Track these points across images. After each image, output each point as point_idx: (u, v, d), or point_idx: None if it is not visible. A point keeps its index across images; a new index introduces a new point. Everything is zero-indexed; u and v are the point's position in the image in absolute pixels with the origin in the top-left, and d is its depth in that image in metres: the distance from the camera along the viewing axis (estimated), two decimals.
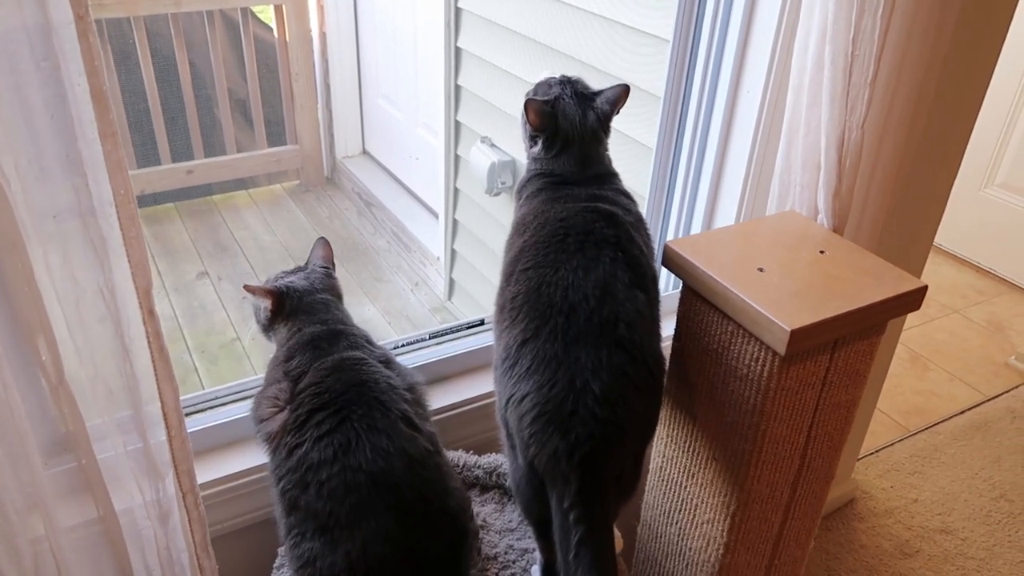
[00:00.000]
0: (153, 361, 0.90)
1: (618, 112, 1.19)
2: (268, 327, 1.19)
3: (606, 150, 1.20)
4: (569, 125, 1.15)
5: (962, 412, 2.46)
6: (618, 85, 1.18)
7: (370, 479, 0.97)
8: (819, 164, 1.17)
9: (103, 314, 0.84)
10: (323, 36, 3.81)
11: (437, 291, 3.28)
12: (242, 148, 3.78)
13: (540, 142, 1.16)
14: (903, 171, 1.33)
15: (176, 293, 3.18)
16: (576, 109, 1.15)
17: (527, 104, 1.14)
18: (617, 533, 1.21)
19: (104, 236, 0.81)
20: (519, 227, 1.11)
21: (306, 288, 1.18)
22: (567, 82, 1.19)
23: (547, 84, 1.20)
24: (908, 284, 1.07)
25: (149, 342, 0.88)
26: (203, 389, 1.30)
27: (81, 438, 0.88)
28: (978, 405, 2.49)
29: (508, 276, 1.06)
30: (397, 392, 1.07)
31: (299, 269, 1.25)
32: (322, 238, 1.28)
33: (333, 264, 1.27)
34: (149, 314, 0.87)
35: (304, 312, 1.16)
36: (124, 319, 0.85)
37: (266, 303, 1.17)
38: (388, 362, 1.14)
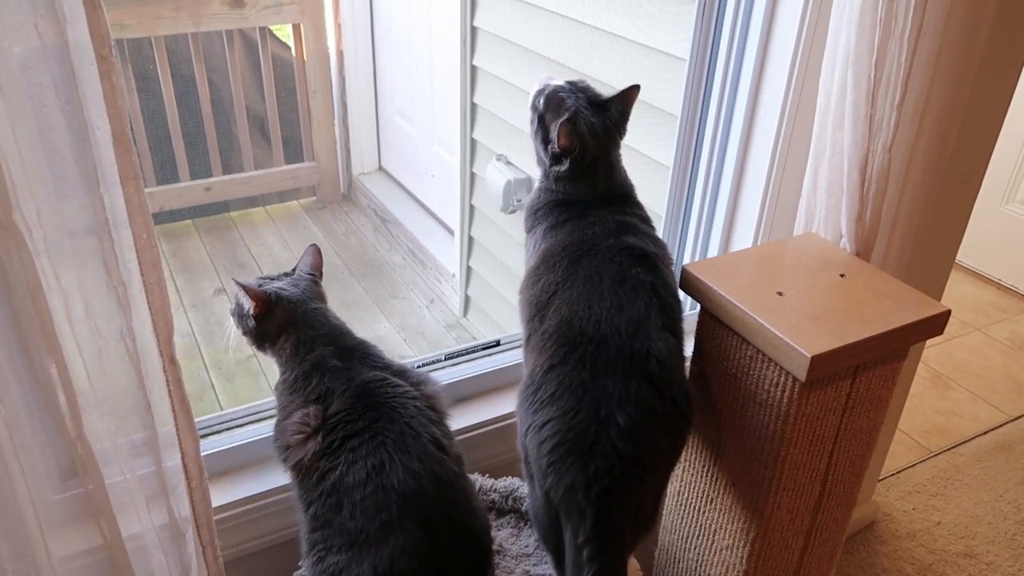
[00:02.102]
0: (174, 411, 0.87)
1: (629, 116, 1.16)
2: (258, 335, 1.13)
3: (621, 158, 1.17)
4: (594, 141, 1.10)
5: (985, 432, 2.42)
6: (627, 88, 1.14)
7: (401, 498, 0.98)
8: (843, 188, 1.16)
9: (125, 363, 0.81)
10: (340, 54, 3.84)
11: (452, 308, 3.27)
12: (260, 165, 3.81)
13: (567, 161, 1.10)
14: (932, 193, 1.32)
15: (193, 310, 3.20)
16: (597, 122, 1.11)
17: (561, 128, 1.07)
18: (636, 564, 1.20)
19: (126, 283, 0.79)
20: (546, 261, 1.08)
21: (299, 298, 1.14)
22: (576, 90, 1.13)
23: (557, 98, 1.12)
24: (931, 309, 1.06)
25: (170, 391, 0.86)
26: (220, 406, 1.28)
27: (100, 494, 0.85)
28: (1001, 425, 2.45)
29: (541, 317, 1.04)
30: (425, 415, 1.07)
31: (285, 275, 1.20)
32: (314, 245, 1.25)
33: (321, 273, 1.23)
34: (171, 362, 0.85)
35: (305, 326, 1.12)
36: (145, 367, 0.83)
37: (251, 305, 1.11)
38: (404, 373, 1.13)
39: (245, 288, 1.11)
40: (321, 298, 1.19)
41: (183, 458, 0.91)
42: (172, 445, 0.90)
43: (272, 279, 1.19)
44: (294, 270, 1.22)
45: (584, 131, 1.09)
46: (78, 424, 0.81)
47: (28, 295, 0.75)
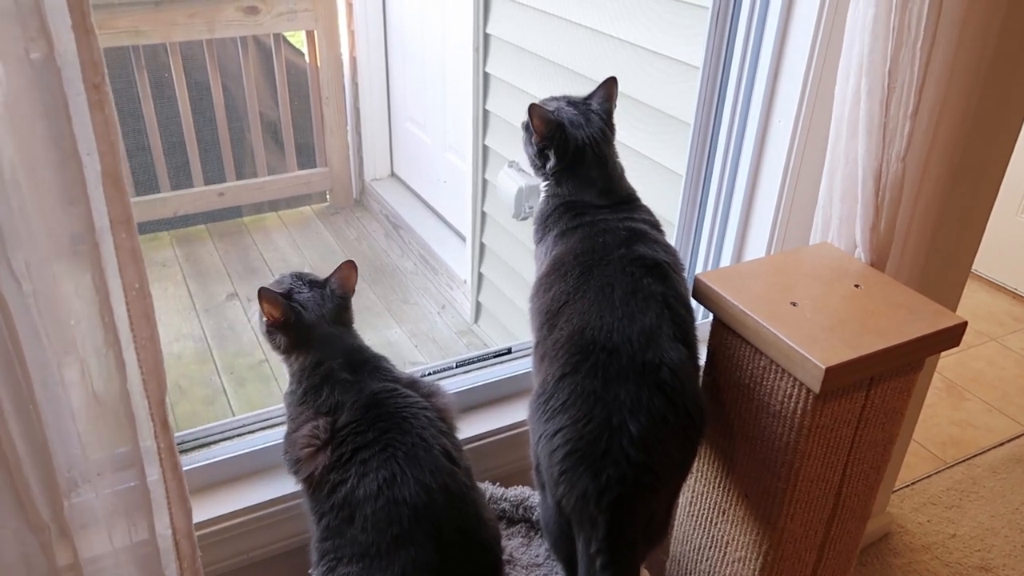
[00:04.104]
0: (165, 480, 0.82)
1: (615, 106, 1.20)
2: (271, 340, 1.13)
3: (617, 156, 1.19)
4: (576, 128, 1.14)
5: (1001, 444, 2.39)
6: (603, 81, 1.20)
7: (413, 511, 0.98)
8: (857, 197, 1.15)
9: (124, 427, 0.76)
10: (353, 61, 3.86)
11: (464, 314, 3.27)
12: (272, 170, 3.83)
13: (552, 153, 1.14)
14: (947, 202, 1.31)
15: (206, 314, 3.22)
16: (578, 114, 1.16)
17: (531, 109, 1.13)
18: (647, 575, 1.19)
19: (118, 339, 0.73)
20: (558, 269, 1.08)
21: (315, 322, 1.11)
22: (557, 98, 1.20)
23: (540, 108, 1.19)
24: (946, 320, 1.05)
25: (161, 459, 0.80)
26: (231, 411, 1.27)
27: None
28: (1017, 437, 2.42)
29: (552, 326, 1.04)
30: (436, 426, 1.07)
31: (317, 286, 1.16)
32: (350, 261, 1.19)
33: (353, 290, 1.19)
34: (163, 426, 0.79)
35: (317, 349, 1.11)
36: (137, 430, 0.77)
37: (265, 313, 1.09)
38: (414, 384, 1.13)
39: (269, 299, 1.09)
40: (345, 322, 1.16)
41: (174, 534, 0.86)
42: (164, 527, 0.85)
43: (304, 284, 1.15)
44: (327, 282, 1.17)
45: (564, 122, 1.13)
46: (58, 506, 0.75)
47: (9, 370, 0.68)
